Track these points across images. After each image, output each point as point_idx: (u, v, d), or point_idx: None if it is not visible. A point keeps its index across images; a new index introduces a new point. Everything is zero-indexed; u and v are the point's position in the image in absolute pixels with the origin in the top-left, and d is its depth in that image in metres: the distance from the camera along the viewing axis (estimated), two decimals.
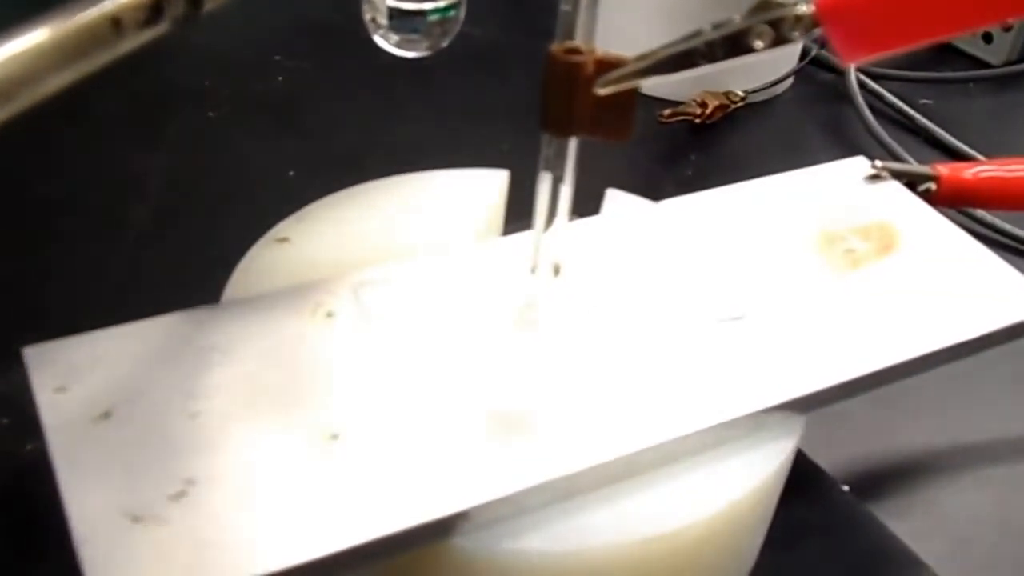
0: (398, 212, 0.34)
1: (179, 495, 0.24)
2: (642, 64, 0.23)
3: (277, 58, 0.61)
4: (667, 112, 0.54)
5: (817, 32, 0.21)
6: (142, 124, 0.54)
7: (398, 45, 0.32)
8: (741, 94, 0.56)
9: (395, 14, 0.31)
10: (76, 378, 0.27)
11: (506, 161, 0.38)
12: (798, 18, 0.21)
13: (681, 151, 0.55)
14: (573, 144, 0.26)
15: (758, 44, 0.21)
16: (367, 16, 0.32)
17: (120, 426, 0.26)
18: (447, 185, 0.36)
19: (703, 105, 0.54)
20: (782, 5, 0.21)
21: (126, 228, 0.47)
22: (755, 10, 0.21)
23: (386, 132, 0.55)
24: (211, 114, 0.55)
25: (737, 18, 0.22)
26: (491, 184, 0.36)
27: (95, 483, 0.24)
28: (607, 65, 0.24)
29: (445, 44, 0.34)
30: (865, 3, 0.20)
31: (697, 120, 0.54)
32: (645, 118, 0.55)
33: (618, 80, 0.23)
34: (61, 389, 0.26)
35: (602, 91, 0.24)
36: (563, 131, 0.25)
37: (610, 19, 0.58)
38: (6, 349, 0.28)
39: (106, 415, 0.26)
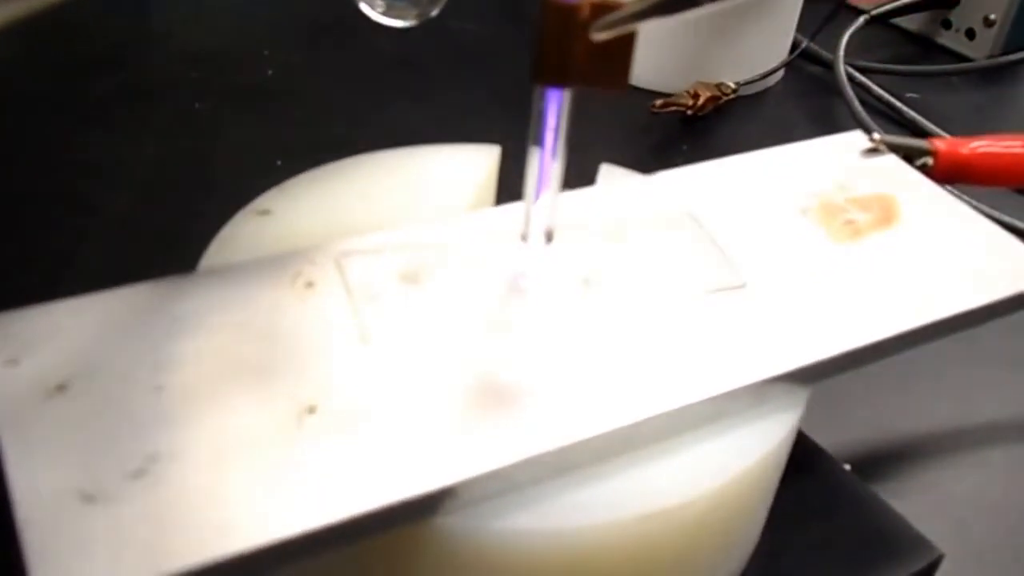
0: (385, 186, 0.33)
1: (139, 472, 0.22)
2: (641, 5, 0.22)
3: (266, 52, 0.60)
4: (659, 103, 0.53)
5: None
6: (126, 114, 0.53)
7: (385, 13, 0.31)
8: (733, 86, 0.56)
9: None
10: (30, 350, 0.25)
11: None
12: None
13: (673, 142, 0.54)
14: (567, 99, 0.24)
15: None
16: None
17: (76, 400, 0.24)
18: (437, 160, 0.35)
19: (695, 96, 0.54)
20: None
21: (103, 212, 0.46)
22: None
23: (374, 126, 0.54)
24: (197, 105, 0.54)
25: None
26: (482, 159, 0.35)
27: (44, 461, 0.22)
28: (604, 8, 0.22)
29: (435, 13, 0.32)
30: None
31: (689, 111, 0.54)
32: (637, 109, 0.54)
33: (615, 24, 0.22)
34: (12, 362, 0.25)
35: (599, 36, 0.23)
36: (558, 80, 0.24)
37: None
38: None
39: (61, 388, 0.24)
